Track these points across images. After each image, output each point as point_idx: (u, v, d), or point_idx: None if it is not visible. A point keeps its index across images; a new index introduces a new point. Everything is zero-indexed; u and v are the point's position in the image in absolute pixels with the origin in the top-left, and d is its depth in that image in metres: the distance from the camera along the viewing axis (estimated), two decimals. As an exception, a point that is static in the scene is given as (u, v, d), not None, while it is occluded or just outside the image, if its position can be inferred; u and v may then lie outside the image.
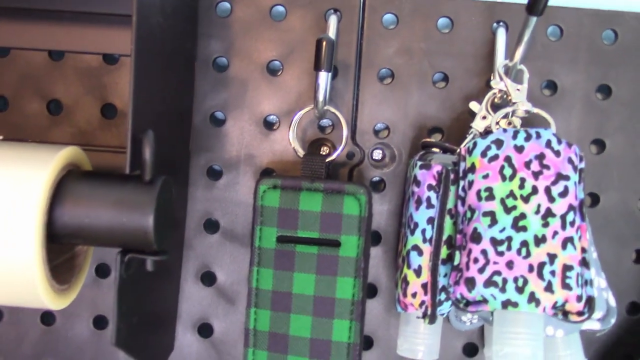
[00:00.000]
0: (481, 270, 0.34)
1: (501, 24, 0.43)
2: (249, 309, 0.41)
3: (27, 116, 0.44)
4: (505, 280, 0.34)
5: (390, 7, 0.43)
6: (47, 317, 0.45)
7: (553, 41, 0.43)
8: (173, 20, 0.37)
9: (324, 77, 0.38)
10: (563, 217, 0.34)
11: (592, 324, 0.38)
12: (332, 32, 0.42)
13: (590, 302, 0.34)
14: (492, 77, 0.42)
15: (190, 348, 0.45)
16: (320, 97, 0.38)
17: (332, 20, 0.42)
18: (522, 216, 0.34)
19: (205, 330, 0.45)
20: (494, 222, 0.34)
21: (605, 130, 0.43)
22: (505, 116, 0.39)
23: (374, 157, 0.44)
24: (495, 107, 0.40)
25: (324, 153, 0.44)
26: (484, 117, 0.40)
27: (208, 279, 0.45)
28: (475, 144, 0.36)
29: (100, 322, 0.45)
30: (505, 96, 0.40)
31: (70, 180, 0.30)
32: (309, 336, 0.40)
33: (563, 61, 0.43)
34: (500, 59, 0.41)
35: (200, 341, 0.45)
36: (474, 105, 0.41)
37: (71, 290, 0.33)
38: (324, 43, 0.37)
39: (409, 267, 0.37)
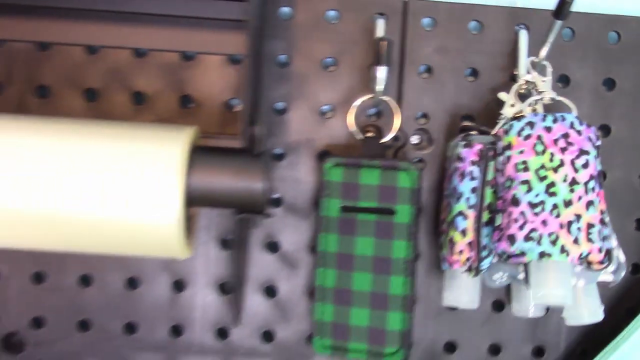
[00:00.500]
0: (520, 228, 0.42)
1: (522, 26, 0.50)
2: (318, 269, 0.48)
3: (115, 105, 0.50)
4: (540, 236, 0.41)
5: (428, 12, 0.50)
6: (132, 282, 0.52)
7: (566, 41, 0.51)
8: (260, 24, 0.44)
9: (383, 71, 0.45)
10: (585, 185, 0.42)
11: (606, 277, 0.46)
12: (379, 34, 0.49)
13: (608, 254, 0.42)
14: (515, 72, 0.50)
15: (258, 308, 0.51)
16: (379, 88, 0.46)
17: (380, 23, 0.49)
18: (552, 184, 0.42)
19: (270, 291, 0.52)
20: (529, 189, 0.42)
21: (610, 117, 0.51)
22: (530, 104, 0.47)
23: (413, 141, 0.51)
24: (520, 97, 0.48)
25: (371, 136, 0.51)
26: (512, 105, 0.47)
27: (272, 247, 0.51)
28: (511, 126, 0.44)
29: (179, 286, 0.52)
30: (530, 87, 0.47)
31: (198, 154, 0.36)
32: (369, 290, 0.47)
33: (574, 58, 0.50)
34: (523, 56, 0.49)
35: (266, 301, 0.51)
36: (502, 95, 0.48)
37: (191, 246, 0.40)
38: (385, 43, 0.44)
39: (455, 229, 0.45)
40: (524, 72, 0.49)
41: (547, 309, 0.50)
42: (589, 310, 0.45)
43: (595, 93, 0.51)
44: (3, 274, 0.51)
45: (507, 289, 0.52)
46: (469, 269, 0.44)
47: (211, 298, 0.51)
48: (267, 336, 0.52)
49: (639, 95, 0.50)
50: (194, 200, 0.36)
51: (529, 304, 0.48)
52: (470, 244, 0.44)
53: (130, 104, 0.50)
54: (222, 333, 0.52)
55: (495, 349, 0.53)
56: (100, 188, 0.35)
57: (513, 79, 0.50)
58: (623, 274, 0.46)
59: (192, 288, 0.51)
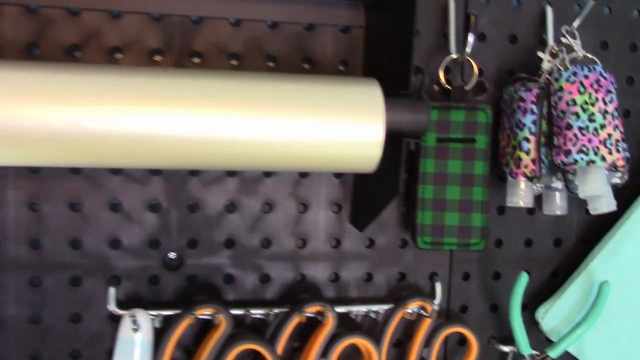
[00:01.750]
0: (574, 145, 0.61)
1: (549, 5, 0.69)
2: (419, 185, 0.64)
3: (254, 68, 0.64)
4: (587, 149, 0.60)
5: (483, -7, 0.68)
6: (267, 205, 0.66)
7: (604, 16, 0.70)
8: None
9: (471, 38, 0.62)
10: (612, 114, 0.61)
11: (616, 180, 0.66)
12: (451, 9, 0.66)
13: (627, 160, 0.62)
14: (544, 36, 0.68)
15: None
16: (467, 50, 0.62)
17: (451, 2, 0.66)
18: (592, 114, 0.61)
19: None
20: (577, 117, 0.61)
21: (634, 72, 0.71)
22: (562, 60, 0.66)
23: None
24: (553, 55, 0.67)
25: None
26: (549, 61, 0.66)
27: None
28: (560, 75, 0.62)
29: (303, 207, 0.67)
30: (560, 48, 0.66)
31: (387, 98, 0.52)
32: (459, 198, 0.64)
33: (608, 28, 0.70)
34: (550, 25, 0.68)
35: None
36: (540, 54, 0.67)
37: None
38: (474, 16, 0.61)
39: (520, 150, 0.63)
40: (551, 37, 0.67)
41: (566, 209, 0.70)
42: (607, 203, 0.65)
43: (622, 54, 0.70)
44: (164, 206, 0.63)
45: (538, 198, 0.71)
46: (532, 177, 0.63)
47: (328, 216, 0.67)
48: (371, 242, 0.69)
49: None
50: (386, 130, 0.51)
51: (556, 206, 0.67)
52: (533, 160, 0.63)
53: (264, 65, 0.64)
54: (337, 243, 0.68)
55: (528, 242, 0.72)
56: (315, 121, 0.50)
57: (542, 42, 0.69)
58: (626, 178, 0.66)
59: (314, 209, 0.67)
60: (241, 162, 0.51)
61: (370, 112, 0.50)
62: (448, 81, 0.67)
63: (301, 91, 0.50)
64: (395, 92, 0.53)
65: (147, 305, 0.61)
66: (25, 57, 0.58)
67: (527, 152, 0.63)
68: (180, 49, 0.62)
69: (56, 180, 0.60)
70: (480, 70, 0.68)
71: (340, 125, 0.50)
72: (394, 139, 0.52)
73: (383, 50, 0.61)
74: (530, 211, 0.72)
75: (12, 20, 0.58)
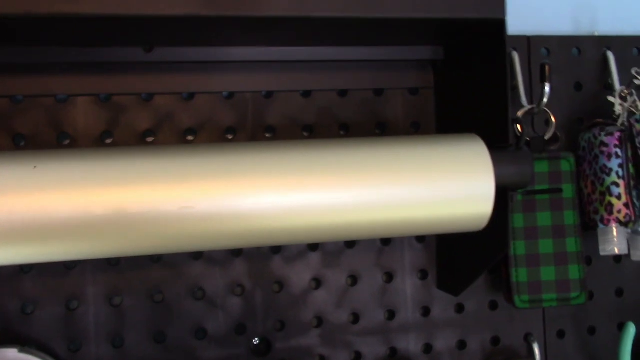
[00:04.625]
0: (667, 185, 0.59)
1: (609, 51, 0.69)
2: (510, 242, 0.62)
3: (326, 137, 0.62)
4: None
5: (544, 44, 0.68)
6: (352, 278, 0.63)
7: None
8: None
9: (547, 88, 0.61)
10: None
11: None
12: (516, 63, 0.65)
13: None
14: (609, 81, 0.68)
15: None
16: (545, 100, 0.62)
17: (515, 55, 0.66)
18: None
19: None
20: (666, 158, 0.60)
21: None
22: (632, 103, 0.65)
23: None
24: (622, 98, 0.66)
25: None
26: (620, 105, 0.65)
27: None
28: (640, 115, 0.62)
29: (388, 277, 0.64)
30: (628, 91, 0.65)
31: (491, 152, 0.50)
32: (552, 252, 0.62)
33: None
34: (614, 70, 0.67)
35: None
36: (611, 99, 0.66)
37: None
38: (548, 66, 0.60)
39: (610, 195, 0.61)
40: (617, 81, 0.67)
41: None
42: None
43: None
44: (248, 288, 0.60)
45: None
46: (628, 222, 0.61)
47: (415, 283, 0.64)
48: (460, 307, 0.65)
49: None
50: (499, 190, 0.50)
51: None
52: (626, 204, 0.61)
53: (337, 134, 0.63)
54: (426, 311, 0.65)
55: (619, 292, 0.69)
56: (425, 182, 0.48)
57: (607, 87, 0.68)
58: None
59: (399, 277, 0.64)
60: (350, 232, 0.48)
61: (480, 168, 0.48)
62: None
63: (405, 154, 0.48)
64: (493, 145, 0.51)
65: (241, 396, 0.58)
66: (99, 147, 0.57)
67: (619, 197, 0.61)
68: (254, 125, 0.60)
69: (136, 271, 0.58)
70: (546, 120, 0.67)
71: (450, 184, 0.48)
72: (499, 193, 0.50)
73: (463, 107, 0.60)
74: (617, 259, 0.69)
75: (84, 111, 0.57)
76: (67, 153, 0.45)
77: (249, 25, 0.49)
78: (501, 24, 0.52)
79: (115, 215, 0.43)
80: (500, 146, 0.51)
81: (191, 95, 0.59)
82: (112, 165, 0.44)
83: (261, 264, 0.60)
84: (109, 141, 0.57)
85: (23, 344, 0.54)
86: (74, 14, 0.43)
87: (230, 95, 0.60)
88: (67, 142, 0.56)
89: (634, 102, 0.65)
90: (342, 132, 0.62)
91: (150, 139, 0.58)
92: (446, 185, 0.47)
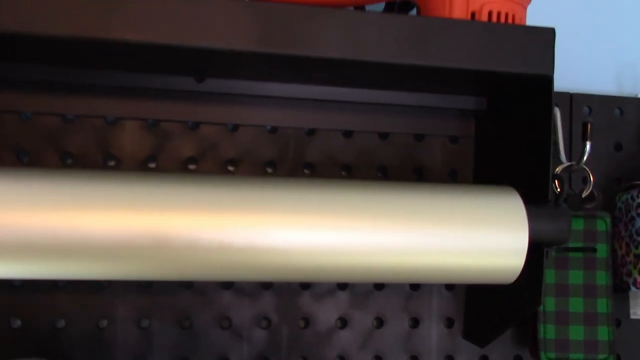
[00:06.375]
0: None
1: (649, 112, 0.69)
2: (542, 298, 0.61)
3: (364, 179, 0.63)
4: None
5: (586, 102, 0.68)
6: (378, 321, 0.63)
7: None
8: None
9: (588, 146, 0.61)
10: None
11: None
12: (557, 118, 0.66)
13: None
14: (649, 145, 0.68)
15: (480, 335, 0.64)
16: (584, 158, 0.62)
17: (557, 110, 0.66)
18: None
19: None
20: None
21: None
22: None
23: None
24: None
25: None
26: (658, 168, 0.65)
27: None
28: (679, 181, 0.61)
29: (414, 322, 0.63)
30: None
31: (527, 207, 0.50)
32: (582, 311, 0.61)
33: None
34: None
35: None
36: (649, 162, 0.66)
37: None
38: (590, 124, 0.60)
39: (645, 259, 0.61)
40: (657, 144, 0.67)
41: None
42: None
43: None
44: (274, 322, 0.60)
45: None
46: (660, 287, 0.60)
47: (441, 331, 0.63)
48: (484, 359, 0.65)
49: None
50: (535, 245, 0.50)
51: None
52: (660, 269, 0.60)
53: (375, 176, 0.63)
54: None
55: None
56: (457, 232, 0.48)
57: (649, 150, 0.68)
58: None
59: (425, 323, 0.63)
60: (379, 275, 0.48)
61: (514, 222, 0.48)
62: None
63: (440, 201, 0.49)
64: (530, 200, 0.52)
65: None
66: (143, 170, 0.58)
67: (654, 261, 0.60)
68: (294, 160, 0.61)
69: (167, 296, 0.58)
70: (584, 178, 0.67)
71: (482, 235, 0.48)
72: (533, 248, 0.50)
73: (502, 157, 0.60)
74: None
75: (131, 134, 0.58)
76: (112, 175, 0.46)
77: (301, 64, 0.50)
78: (548, 80, 0.52)
79: (153, 240, 0.44)
80: (538, 201, 0.51)
81: (236, 127, 0.60)
82: (155, 190, 0.45)
83: (289, 299, 0.61)
84: (152, 165, 0.58)
85: (51, 357, 0.55)
86: (133, 41, 0.45)
87: (274, 129, 0.61)
88: (112, 163, 0.57)
89: (674, 167, 0.64)
90: (379, 174, 0.63)
91: (192, 167, 0.59)
92: (478, 236, 0.48)
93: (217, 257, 0.45)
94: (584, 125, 0.60)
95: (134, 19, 0.44)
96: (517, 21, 0.53)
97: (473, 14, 0.52)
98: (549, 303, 0.61)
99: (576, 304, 0.61)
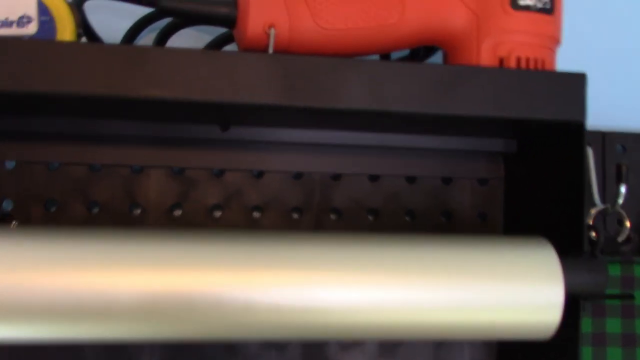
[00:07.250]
0: None
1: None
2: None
3: (392, 223, 0.62)
4: None
5: (619, 141, 0.66)
6: (411, 370, 0.61)
7: None
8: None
9: (623, 189, 0.59)
10: None
11: None
12: (589, 158, 0.64)
13: None
14: (686, 184, 0.65)
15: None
16: (620, 201, 0.60)
17: (589, 150, 0.64)
18: None
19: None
20: None
21: None
22: None
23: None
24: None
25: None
26: (699, 209, 0.63)
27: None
28: None
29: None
30: None
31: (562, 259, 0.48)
32: (622, 362, 0.59)
33: None
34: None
35: None
36: (689, 202, 0.63)
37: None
38: (624, 166, 0.59)
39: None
40: (697, 183, 0.64)
41: None
42: None
43: None
44: None
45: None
46: None
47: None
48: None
49: None
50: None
51: None
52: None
53: (403, 220, 0.62)
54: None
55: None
56: (489, 287, 0.47)
57: (685, 188, 0.66)
58: None
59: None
60: (410, 332, 0.47)
61: (548, 276, 0.47)
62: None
63: (469, 255, 0.47)
64: (564, 250, 0.50)
65: None
66: (168, 218, 0.58)
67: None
68: (319, 206, 0.61)
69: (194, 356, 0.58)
70: (619, 219, 0.65)
71: (515, 291, 0.47)
72: (569, 302, 0.48)
73: (533, 200, 0.58)
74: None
75: (157, 182, 0.58)
76: (138, 232, 0.45)
77: (325, 114, 0.50)
78: (580, 126, 0.51)
79: (178, 299, 0.43)
80: (573, 252, 0.49)
81: (261, 173, 0.59)
82: (180, 247, 0.45)
83: (317, 349, 0.59)
84: (177, 213, 0.58)
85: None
86: (158, 98, 0.45)
87: (299, 175, 0.60)
88: (138, 211, 0.57)
89: None
90: (407, 218, 0.62)
91: (217, 213, 0.59)
92: (510, 292, 0.46)
93: (245, 318, 0.44)
94: (618, 167, 0.59)
95: (157, 75, 0.44)
96: (546, 66, 0.51)
97: (501, 60, 0.51)
98: (586, 354, 0.59)
99: (615, 354, 0.59)
